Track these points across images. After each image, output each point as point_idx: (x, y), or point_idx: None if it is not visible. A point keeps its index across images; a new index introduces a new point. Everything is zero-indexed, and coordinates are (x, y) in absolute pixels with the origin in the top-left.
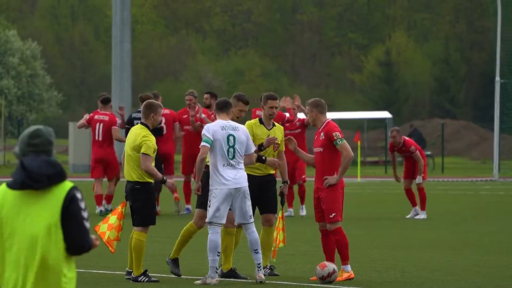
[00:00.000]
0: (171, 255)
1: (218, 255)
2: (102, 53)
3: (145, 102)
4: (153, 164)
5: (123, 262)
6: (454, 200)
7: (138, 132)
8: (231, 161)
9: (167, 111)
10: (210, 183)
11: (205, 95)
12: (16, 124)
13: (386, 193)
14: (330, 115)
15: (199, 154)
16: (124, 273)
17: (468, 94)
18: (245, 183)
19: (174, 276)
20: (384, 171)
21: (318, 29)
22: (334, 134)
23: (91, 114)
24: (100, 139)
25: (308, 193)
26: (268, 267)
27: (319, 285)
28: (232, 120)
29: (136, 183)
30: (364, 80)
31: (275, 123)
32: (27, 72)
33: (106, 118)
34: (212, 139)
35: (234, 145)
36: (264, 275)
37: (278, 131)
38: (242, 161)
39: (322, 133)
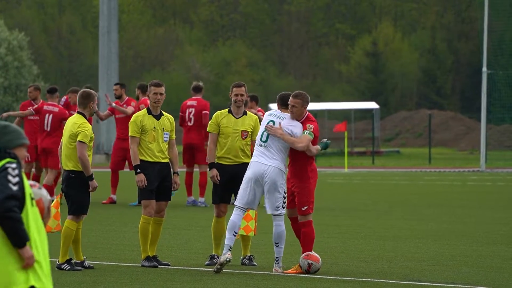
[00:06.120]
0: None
1: (234, 235)
2: (90, 43)
3: (82, 92)
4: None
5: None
6: (441, 191)
7: (75, 122)
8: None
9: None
10: None
11: (115, 87)
12: None
13: (373, 183)
14: (318, 106)
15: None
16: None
17: (455, 85)
18: (272, 175)
19: (165, 267)
20: (371, 162)
21: (305, 19)
22: (307, 125)
23: (39, 105)
24: (49, 129)
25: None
26: (247, 257)
27: (304, 275)
28: (151, 106)
29: (71, 172)
30: (352, 70)
31: (247, 111)
32: (14, 63)
33: (56, 109)
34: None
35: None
36: (244, 264)
37: (248, 120)
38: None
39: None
